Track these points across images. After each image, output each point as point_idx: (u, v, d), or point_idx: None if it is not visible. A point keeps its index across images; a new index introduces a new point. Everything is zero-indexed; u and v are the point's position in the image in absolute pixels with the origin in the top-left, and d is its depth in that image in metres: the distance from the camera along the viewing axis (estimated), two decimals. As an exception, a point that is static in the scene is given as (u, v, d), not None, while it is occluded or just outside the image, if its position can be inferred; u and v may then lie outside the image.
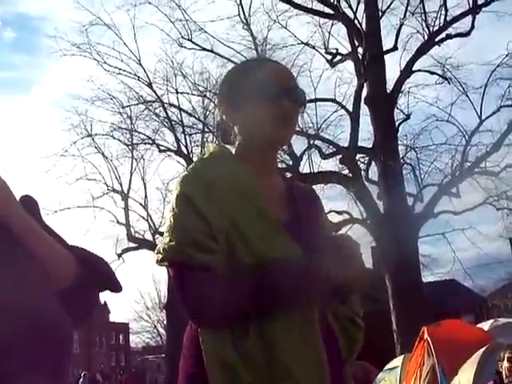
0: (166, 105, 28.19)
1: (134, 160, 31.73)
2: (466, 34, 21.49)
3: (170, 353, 29.89)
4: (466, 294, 37.93)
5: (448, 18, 21.22)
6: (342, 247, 1.85)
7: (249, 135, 2.04)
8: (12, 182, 1.76)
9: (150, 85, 27.87)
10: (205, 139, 26.91)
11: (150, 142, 29.83)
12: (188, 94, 27.46)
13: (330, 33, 22.93)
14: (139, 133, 29.67)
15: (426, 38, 21.52)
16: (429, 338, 12.45)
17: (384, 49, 21.50)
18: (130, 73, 27.82)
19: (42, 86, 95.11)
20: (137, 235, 32.19)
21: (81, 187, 33.27)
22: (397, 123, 21.51)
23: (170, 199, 1.95)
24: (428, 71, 22.69)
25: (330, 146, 22.36)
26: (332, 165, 23.14)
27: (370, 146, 21.50)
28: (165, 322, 50.51)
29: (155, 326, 62.95)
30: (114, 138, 29.91)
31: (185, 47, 25.82)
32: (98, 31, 29.74)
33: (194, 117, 27.82)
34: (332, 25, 22.73)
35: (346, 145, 21.45)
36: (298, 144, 22.35)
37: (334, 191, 23.24)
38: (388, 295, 19.30)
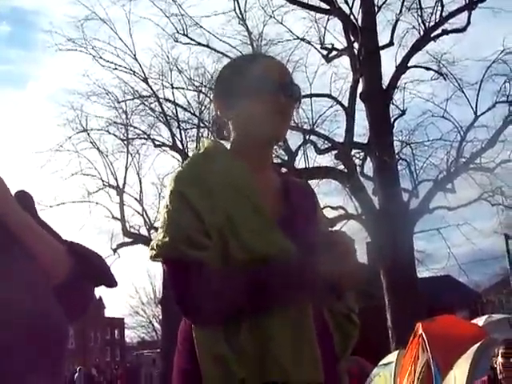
0: (161, 100, 28.18)
1: (130, 155, 31.73)
2: (462, 30, 21.50)
3: (165, 348, 29.91)
4: (460, 289, 37.98)
5: (444, 14, 21.23)
6: (337, 243, 1.85)
7: (244, 131, 2.03)
8: (7, 177, 1.75)
9: (145, 80, 27.85)
10: (200, 134, 26.90)
11: (146, 136, 29.82)
12: (183, 89, 27.48)
13: (325, 28, 22.95)
14: (134, 128, 29.67)
15: (422, 33, 21.52)
16: (423, 334, 12.46)
17: (380, 44, 21.50)
18: (126, 68, 27.81)
19: (38, 81, 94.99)
20: (132, 230, 32.17)
21: (76, 182, 33.23)
22: (392, 119, 21.53)
23: (165, 195, 1.95)
24: (424, 67, 22.69)
25: (326, 142, 22.35)
26: (327, 160, 23.15)
27: (366, 141, 21.50)
28: (160, 317, 50.56)
29: (150, 321, 63.02)
30: (110, 133, 29.92)
31: (180, 42, 25.80)
32: (94, 26, 29.65)
33: (190, 112, 27.83)
34: (328, 20, 22.75)
35: (341, 140, 21.45)
36: (294, 139, 22.35)
37: (329, 186, 23.24)
38: (383, 291, 19.32)
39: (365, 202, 20.37)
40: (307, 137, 22.24)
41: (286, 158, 22.62)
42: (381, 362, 15.35)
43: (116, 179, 32.01)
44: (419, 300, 18.65)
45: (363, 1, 21.22)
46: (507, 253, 33.66)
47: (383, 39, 21.77)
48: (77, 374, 32.00)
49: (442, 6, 21.15)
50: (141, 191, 33.21)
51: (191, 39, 25.22)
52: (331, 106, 23.51)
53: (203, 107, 26.75)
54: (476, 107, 21.43)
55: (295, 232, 1.84)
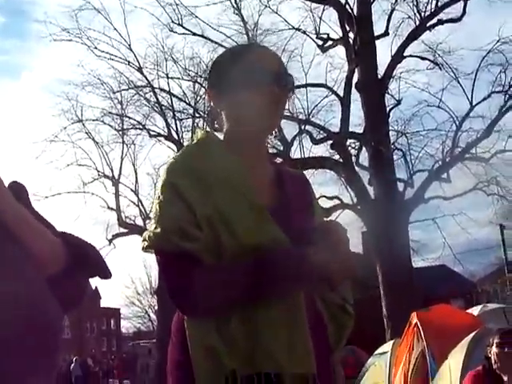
0: (156, 90, 28.09)
1: (125, 145, 31.71)
2: (458, 20, 21.48)
3: (161, 338, 29.91)
4: (455, 279, 38.11)
5: (439, 4, 21.22)
6: (330, 233, 1.84)
7: (236, 122, 2.03)
8: (1, 168, 1.75)
9: (140, 70, 27.77)
10: (195, 124, 26.83)
11: (141, 127, 29.78)
12: (179, 78, 27.38)
13: (321, 18, 22.88)
14: (130, 118, 29.62)
15: (418, 23, 21.49)
16: (418, 323, 12.49)
17: (375, 34, 21.48)
18: (121, 58, 27.72)
19: (32, 71, 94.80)
20: (128, 221, 32.18)
21: (71, 173, 33.27)
22: (388, 108, 21.53)
23: (157, 186, 1.95)
24: (419, 57, 22.67)
25: (321, 132, 22.34)
26: (323, 150, 23.16)
27: (361, 131, 21.51)
28: (156, 308, 50.68)
29: (146, 312, 63.18)
30: (105, 124, 29.87)
31: (175, 32, 25.72)
32: (88, 16, 29.46)
33: (185, 102, 27.75)
34: (323, 10, 22.67)
35: (336, 130, 21.45)
36: (289, 129, 22.36)
37: (324, 176, 23.33)
38: (378, 280, 19.36)
39: (360, 192, 20.40)
40: (303, 127, 22.23)
41: (282, 147, 22.61)
42: (376, 352, 15.40)
43: (111, 170, 32.02)
44: (414, 290, 18.71)
45: (359, -10, 21.18)
46: (502, 243, 33.74)
47: (379, 29, 21.78)
48: (73, 365, 32.05)
49: (438, -4, 21.14)
50: (136, 182, 33.22)
51: (186, 29, 25.16)
52: (326, 96, 23.52)
53: (198, 97, 26.69)
54: (471, 97, 21.46)
55: (289, 222, 1.84)
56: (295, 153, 23.05)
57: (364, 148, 21.24)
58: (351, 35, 21.28)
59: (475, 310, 14.67)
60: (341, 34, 21.96)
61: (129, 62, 27.69)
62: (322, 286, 1.91)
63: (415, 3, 21.60)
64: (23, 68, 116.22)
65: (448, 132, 22.07)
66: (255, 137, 2.02)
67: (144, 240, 1.85)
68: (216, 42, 23.76)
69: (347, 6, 21.31)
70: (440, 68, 22.32)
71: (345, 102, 21.14)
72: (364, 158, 21.57)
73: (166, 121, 29.36)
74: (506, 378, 4.17)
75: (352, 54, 20.76)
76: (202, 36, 24.81)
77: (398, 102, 22.19)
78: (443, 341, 11.27)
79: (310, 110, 23.17)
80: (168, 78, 27.62)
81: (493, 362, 4.25)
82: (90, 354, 53.13)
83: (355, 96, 21.18)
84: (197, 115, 26.73)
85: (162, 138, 30.16)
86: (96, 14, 27.06)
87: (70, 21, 27.20)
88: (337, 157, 21.47)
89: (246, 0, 24.18)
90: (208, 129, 2.18)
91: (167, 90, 28.14)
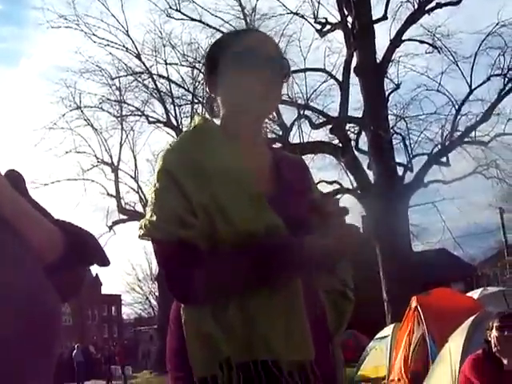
0: (154, 76, 28.09)
1: (124, 132, 31.77)
2: (456, 3, 21.41)
3: (162, 324, 30.03)
4: (455, 262, 38.17)
5: (438, -13, 21.13)
6: (328, 214, 1.82)
7: (232, 107, 2.01)
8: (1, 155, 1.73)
9: (138, 56, 27.73)
10: (194, 110, 26.82)
11: (140, 113, 29.78)
12: (177, 64, 27.35)
13: (319, 2, 22.82)
14: (128, 104, 29.62)
15: (416, 6, 21.42)
16: (419, 307, 12.52)
17: (374, 18, 21.39)
18: (119, 44, 27.68)
19: (30, 59, 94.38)
20: (127, 207, 32.26)
21: (70, 160, 33.23)
22: (387, 93, 21.51)
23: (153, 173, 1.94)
24: (418, 40, 22.62)
25: (320, 116, 22.33)
26: (322, 135, 23.15)
27: (360, 115, 21.47)
28: (156, 294, 50.83)
29: (147, 298, 63.32)
30: (103, 110, 29.90)
31: (173, 18, 25.67)
32: (85, 2, 29.57)
33: (184, 88, 27.71)
34: (321, -6, 22.59)
35: (335, 115, 21.43)
36: (288, 114, 22.38)
37: (324, 161, 23.35)
38: (378, 264, 19.39)
39: (360, 177, 20.39)
40: (301, 111, 22.20)
41: (281, 132, 22.59)
42: (377, 336, 15.46)
43: (110, 156, 32.08)
44: (414, 273, 18.72)
45: (357, -26, 21.08)
46: (502, 226, 33.81)
47: (377, 13, 21.70)
48: (75, 352, 32.09)
49: (436, -21, 21.05)
50: (136, 168, 33.32)
51: (184, 14, 25.10)
52: (325, 81, 23.50)
53: (197, 83, 26.65)
54: (471, 81, 21.43)
55: (286, 209, 1.83)
56: (294, 138, 23.07)
57: (363, 132, 21.22)
58: (349, 19, 21.21)
59: (475, 294, 14.69)
60: (339, 18, 21.88)
61: (127, 48, 27.68)
62: (320, 271, 1.90)
63: (414, -14, 21.52)
64: (21, 55, 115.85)
65: (447, 116, 22.10)
66: (251, 122, 2.01)
67: (140, 228, 1.84)
68: (214, 27, 23.71)
69: (345, -10, 21.22)
70: (439, 52, 22.28)
71: (343, 87, 21.10)
72: (363, 142, 21.59)
73: (164, 107, 29.38)
74: (505, 362, 4.18)
75: (350, 39, 20.70)
76: (200, 21, 24.76)
77: (397, 86, 22.17)
78: (443, 324, 11.30)
79: (308, 94, 23.17)
80: (166, 63, 27.62)
81: (493, 345, 4.25)
82: (92, 341, 53.33)
83: (354, 80, 21.16)
84: (195, 101, 26.72)
85: (160, 124, 30.20)
86: (93, 0, 27.03)
87: (68, 8, 27.33)
88: (336, 141, 21.46)
89: (243, -15, 23.93)
90: (206, 115, 2.17)
91: (166, 76, 28.15)
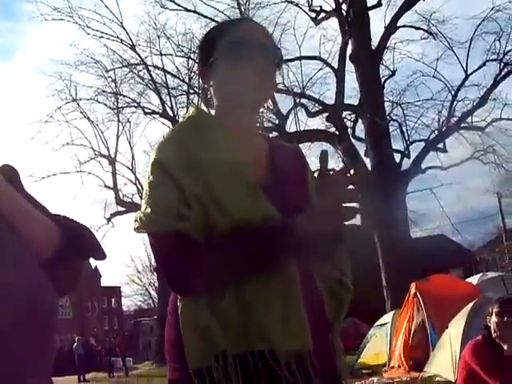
0: (150, 67, 28.05)
1: (120, 124, 31.74)
2: (451, -12, 21.37)
3: (162, 315, 30.06)
4: (454, 248, 38.24)
5: (432, -28, 21.08)
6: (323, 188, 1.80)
7: (224, 98, 2.01)
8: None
9: (133, 47, 27.67)
10: (190, 101, 26.78)
11: (136, 104, 29.74)
12: (172, 55, 27.29)
13: (313, -11, 22.75)
14: (124, 96, 29.57)
15: (411, -8, 21.36)
16: (418, 294, 12.56)
17: (368, 5, 21.34)
18: (113, 36, 27.61)
19: (25, 52, 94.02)
20: (125, 199, 32.31)
21: (67, 153, 33.31)
22: (382, 79, 21.49)
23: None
24: (413, 27, 22.61)
25: (316, 104, 22.33)
26: (319, 123, 23.18)
27: (356, 103, 21.47)
28: (156, 285, 50.91)
29: (147, 289, 63.45)
30: (99, 103, 29.85)
31: (167, 8, 25.61)
32: (79, -6, 29.31)
33: (179, 78, 27.69)
34: (315, -19, 22.55)
35: (332, 102, 21.41)
36: (284, 102, 22.37)
37: (321, 149, 23.31)
38: (377, 251, 19.42)
39: (357, 164, 20.38)
40: (298, 100, 22.18)
41: (277, 121, 22.58)
42: (377, 323, 15.50)
43: (107, 148, 32.11)
44: (413, 260, 18.75)
45: (350, -39, 21.01)
46: (500, 211, 33.86)
47: (371, 0, 21.63)
48: (75, 344, 32.15)
49: (430, -36, 21.02)
50: (133, 159, 33.37)
51: (178, 5, 25.06)
52: (321, 69, 23.47)
53: (192, 73, 26.58)
54: (466, 66, 21.43)
55: (282, 198, 1.82)
56: (291, 126, 23.04)
57: (360, 120, 21.23)
58: (344, 7, 21.17)
59: (474, 279, 14.73)
60: (333, 6, 21.85)
61: (121, 39, 27.61)
62: (316, 250, 1.88)
63: (408, -28, 21.45)
64: (16, 49, 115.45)
65: (443, 102, 22.12)
66: (245, 113, 2.00)
67: (136, 221, 1.83)
68: (208, 17, 23.66)
69: (339, -23, 21.17)
70: (434, 37, 22.27)
71: (339, 74, 21.09)
72: (360, 129, 21.61)
73: (160, 98, 29.34)
74: (505, 347, 4.17)
75: (345, 26, 20.66)
76: (195, 11, 24.70)
77: (393, 73, 22.17)
78: (443, 310, 11.34)
79: (304, 83, 23.15)
80: (161, 54, 27.56)
81: (492, 331, 4.25)
82: (92, 333, 53.46)
83: (349, 68, 21.14)
84: (191, 91, 26.65)
85: (157, 115, 30.18)
86: (87, -8, 26.94)
87: (61, 0, 27.08)
88: (333, 129, 21.46)
89: (237, -27, 23.84)
90: (202, 105, 2.15)
91: (161, 67, 28.09)
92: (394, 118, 22.79)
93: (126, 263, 78.98)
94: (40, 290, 1.67)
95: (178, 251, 1.75)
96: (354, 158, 20.35)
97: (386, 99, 21.84)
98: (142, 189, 1.90)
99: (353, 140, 21.26)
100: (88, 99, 29.79)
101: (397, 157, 21.14)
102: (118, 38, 27.58)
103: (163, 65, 28.09)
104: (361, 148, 20.93)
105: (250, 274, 1.74)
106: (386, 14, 21.71)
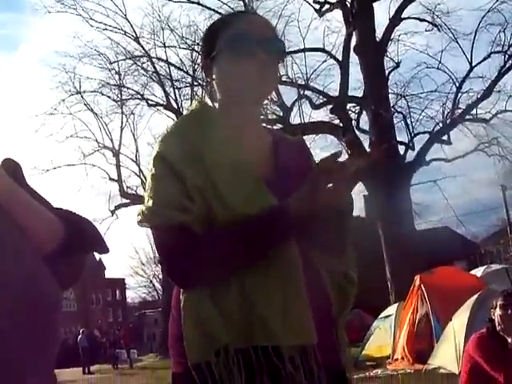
0: (153, 59, 27.96)
1: (124, 116, 31.71)
2: (455, -21, 21.28)
3: (167, 307, 30.12)
4: (458, 240, 38.24)
5: (437, -37, 21.00)
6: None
7: (226, 91, 2.00)
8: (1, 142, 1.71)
9: (137, 39, 27.63)
10: (194, 93, 26.75)
11: (139, 97, 29.70)
12: (176, 47, 27.23)
13: (317, -18, 22.66)
14: (128, 88, 29.53)
15: (415, -16, 21.30)
16: (422, 286, 12.56)
17: (372, -4, 21.26)
18: (117, 28, 27.57)
19: (29, 44, 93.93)
20: (129, 191, 32.33)
21: (71, 145, 33.34)
22: (387, 71, 21.43)
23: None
24: (417, 18, 22.51)
25: (321, 96, 22.28)
26: (323, 115, 23.12)
27: (361, 95, 21.42)
28: (160, 277, 50.97)
29: (151, 281, 63.52)
30: (103, 95, 29.81)
31: (171, 0, 25.55)
32: (82, -14, 29.24)
33: (183, 70, 27.63)
34: (319, -27, 22.46)
35: (336, 94, 21.36)
36: (288, 95, 22.36)
37: (325, 141, 23.31)
38: (381, 243, 19.40)
39: (361, 156, 20.35)
40: (302, 92, 22.14)
41: (282, 113, 22.54)
42: (381, 315, 15.51)
43: (111, 140, 32.09)
44: (417, 252, 18.74)
45: (355, -48, 20.92)
46: (504, 203, 33.82)
47: (376, -9, 21.53)
48: (80, 336, 32.22)
49: (435, -44, 20.92)
50: (137, 151, 33.37)
51: (182, -4, 24.97)
52: (325, 61, 23.40)
53: (196, 65, 26.49)
54: (471, 58, 21.37)
55: (286, 192, 1.81)
56: (295, 118, 23.01)
57: (364, 112, 21.18)
58: (348, -2, 21.09)
59: (478, 271, 14.75)
60: (338, -2, 21.76)
61: (125, 32, 27.56)
62: (313, 230, 1.87)
63: (412, -37, 21.38)
64: (20, 41, 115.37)
65: (448, 93, 22.04)
66: (248, 106, 1.99)
67: (138, 215, 1.83)
68: (212, 9, 23.58)
69: (343, -31, 21.09)
70: (439, 29, 22.18)
71: (343, 66, 21.03)
72: (364, 121, 21.56)
73: (164, 90, 29.31)
74: (510, 340, 4.17)
75: (349, 18, 20.59)
76: (198, 3, 24.64)
77: (397, 65, 22.10)
78: (447, 302, 11.34)
79: (308, 74, 23.09)
80: (165, 46, 27.50)
81: (496, 324, 4.25)
82: (97, 326, 53.62)
83: (354, 59, 21.08)
84: (195, 83, 26.59)
85: (160, 108, 30.16)
86: (90, -16, 26.87)
87: (65, -8, 27.03)
88: (337, 121, 21.41)
89: (241, -35, 23.75)
90: (205, 98, 2.15)
91: (165, 59, 28.03)
92: (399, 109, 22.75)
93: (130, 255, 79.17)
94: (43, 284, 1.67)
95: (180, 244, 1.75)
96: (358, 150, 20.31)
97: (390, 91, 21.81)
98: (146, 181, 1.89)
99: (357, 132, 21.24)
100: (92, 91, 29.77)
101: (401, 149, 21.12)
102: (121, 30, 27.55)
103: (167, 57, 28.06)
104: (365, 140, 20.89)
105: (252, 262, 1.74)
106: (390, 5, 21.66)
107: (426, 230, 32.79)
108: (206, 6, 24.28)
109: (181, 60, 27.63)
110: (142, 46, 27.79)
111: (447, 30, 22.05)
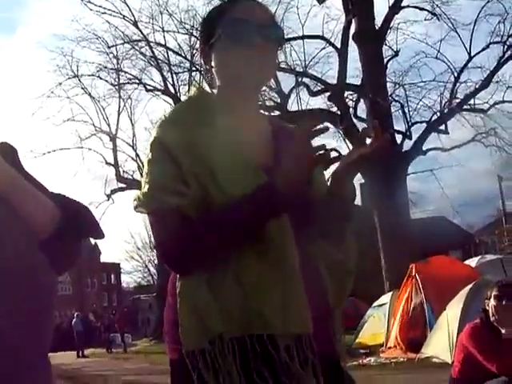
0: (152, 44, 27.86)
1: (122, 100, 31.68)
2: (456, -32, 21.22)
3: (161, 292, 30.16)
4: (454, 230, 38.31)
5: (437, -49, 20.92)
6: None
7: (224, 78, 1.99)
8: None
9: (135, 23, 27.50)
10: (192, 78, 26.67)
11: (137, 81, 29.62)
12: (174, 32, 27.12)
13: (317, -32, 22.56)
14: (126, 72, 29.45)
15: (415, -28, 21.23)
16: (417, 275, 12.59)
17: (372, -16, 21.18)
18: (115, 12, 27.44)
19: (27, 27, 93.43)
20: (126, 175, 32.33)
21: (68, 129, 33.33)
22: (385, 60, 21.38)
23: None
24: (417, 7, 22.45)
25: (318, 84, 22.24)
26: (320, 102, 23.08)
27: (359, 83, 21.38)
28: (156, 262, 50.99)
29: (146, 266, 63.51)
30: (101, 79, 29.73)
31: (170, -16, 25.39)
32: (81, -31, 29.12)
33: (181, 55, 27.53)
34: (319, -41, 22.36)
35: (334, 82, 21.32)
36: (286, 81, 22.31)
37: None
38: (376, 232, 19.42)
39: (358, 144, 20.31)
40: (300, 79, 22.10)
41: (279, 100, 22.51)
42: (375, 304, 15.56)
43: (108, 125, 32.08)
44: (413, 241, 18.77)
45: None
46: (500, 194, 33.86)
47: (376, -21, 21.44)
48: (74, 320, 32.26)
49: None
50: (134, 136, 33.37)
51: (181, -19, 24.85)
52: (323, 48, 23.34)
53: (195, 51, 26.43)
54: (470, 48, 21.34)
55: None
56: (292, 105, 22.96)
57: (362, 100, 21.15)
58: (348, -14, 21.00)
59: (473, 261, 14.78)
60: (338, -15, 21.69)
61: (124, 15, 27.44)
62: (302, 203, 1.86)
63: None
64: (19, 24, 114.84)
65: (446, 83, 22.04)
66: (246, 93, 1.98)
67: (134, 200, 1.83)
68: (211, -6, 23.45)
69: (343, -44, 20.99)
70: (438, 18, 22.11)
71: (342, 54, 20.98)
72: (362, 109, 21.53)
73: (162, 75, 29.22)
74: (503, 331, 4.19)
75: (349, 5, 20.51)
76: (197, -12, 24.50)
77: (396, 54, 22.04)
78: (441, 292, 11.37)
79: (307, 62, 23.05)
80: (164, 31, 27.40)
81: (490, 314, 4.26)
82: (92, 309, 53.57)
83: (352, 47, 21.01)
84: (193, 69, 26.51)
85: (158, 92, 30.08)
86: (89, -33, 26.72)
87: (64, -26, 26.89)
88: (334, 109, 21.39)
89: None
90: (204, 84, 2.14)
91: (163, 43, 27.93)
92: (396, 98, 22.72)
93: (125, 240, 79.03)
94: (40, 275, 1.67)
95: (175, 229, 1.74)
96: (355, 138, 20.29)
97: (388, 80, 21.77)
98: (143, 166, 1.89)
99: (354, 120, 21.21)
100: (89, 75, 29.70)
101: (398, 138, 21.10)
102: (120, 14, 27.42)
103: (165, 41, 27.95)
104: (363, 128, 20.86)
105: (246, 241, 1.74)
106: (390, -7, 21.56)
107: (421, 219, 32.81)
108: (204, -9, 24.16)
109: (179, 45, 27.56)
110: (140, 31, 27.69)
111: (446, 20, 22.03)
